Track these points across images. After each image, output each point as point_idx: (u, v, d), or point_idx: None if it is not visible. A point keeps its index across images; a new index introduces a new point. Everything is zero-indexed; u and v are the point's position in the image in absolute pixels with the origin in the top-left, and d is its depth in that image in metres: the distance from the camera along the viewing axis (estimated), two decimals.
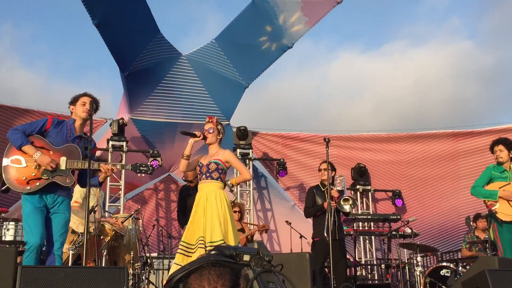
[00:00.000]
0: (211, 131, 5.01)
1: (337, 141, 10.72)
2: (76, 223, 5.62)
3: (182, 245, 4.72)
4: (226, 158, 4.95)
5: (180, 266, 4.50)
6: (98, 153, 8.56)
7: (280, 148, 10.86)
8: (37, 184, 4.23)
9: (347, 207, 5.94)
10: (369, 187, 10.82)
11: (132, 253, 6.15)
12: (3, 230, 5.75)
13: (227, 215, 4.75)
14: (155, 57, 9.61)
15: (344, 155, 10.89)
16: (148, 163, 4.76)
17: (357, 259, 9.17)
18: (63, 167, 4.30)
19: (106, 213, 7.52)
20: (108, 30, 8.70)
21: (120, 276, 3.18)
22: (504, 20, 25.17)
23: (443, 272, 6.74)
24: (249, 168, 10.30)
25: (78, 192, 5.95)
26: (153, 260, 7.33)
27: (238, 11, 9.72)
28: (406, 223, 8.03)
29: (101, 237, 5.92)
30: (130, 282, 5.89)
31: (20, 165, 4.25)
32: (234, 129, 10.33)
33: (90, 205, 4.65)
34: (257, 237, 8.06)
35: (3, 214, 6.55)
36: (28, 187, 4.21)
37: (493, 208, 5.52)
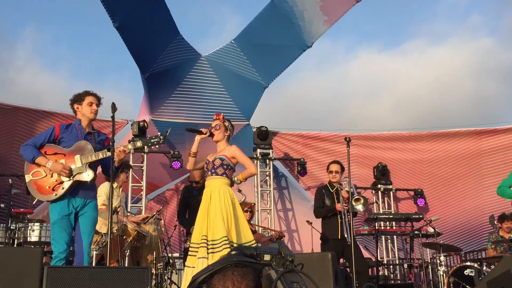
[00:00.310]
0: (217, 128, 4.94)
1: (358, 140, 10.66)
2: (99, 224, 5.69)
3: (191, 247, 4.66)
4: (232, 154, 4.87)
5: (189, 268, 4.50)
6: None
7: (300, 148, 10.83)
8: (62, 188, 4.29)
9: (360, 207, 5.83)
10: (390, 186, 10.74)
11: (154, 253, 6.20)
12: (28, 231, 5.85)
13: (231, 211, 4.62)
14: (175, 58, 9.68)
15: (364, 154, 10.82)
16: (158, 134, 4.65)
17: (379, 258, 9.10)
18: (79, 164, 4.35)
19: (128, 213, 7.59)
20: (129, 33, 8.79)
21: (144, 276, 3.22)
22: None
23: (467, 271, 6.65)
24: (269, 168, 10.31)
25: (104, 194, 6.02)
26: (175, 260, 7.38)
27: (256, 12, 9.75)
28: (428, 222, 7.94)
29: (124, 238, 5.98)
30: (153, 282, 5.95)
31: (41, 176, 4.33)
32: (254, 129, 10.34)
33: (113, 206, 4.70)
34: None
35: (28, 216, 6.68)
36: (54, 193, 4.28)
37: None
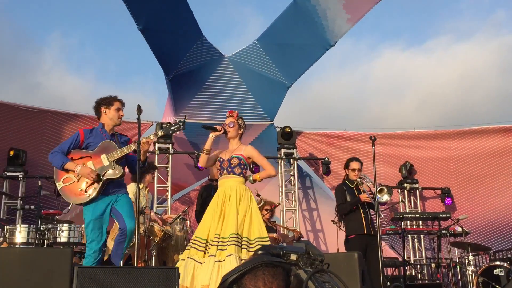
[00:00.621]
0: (231, 125, 4.87)
1: (382, 139, 10.56)
2: None
3: (196, 240, 4.54)
4: (248, 154, 4.83)
5: (186, 261, 4.40)
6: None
7: (324, 147, 10.78)
8: (94, 188, 4.40)
9: (386, 197, 5.76)
10: (416, 185, 10.61)
11: (180, 253, 6.25)
12: (57, 232, 5.96)
13: (250, 209, 4.61)
14: (199, 59, 9.75)
15: (389, 153, 10.71)
16: (177, 120, 4.69)
17: (405, 258, 9.01)
18: (106, 163, 4.46)
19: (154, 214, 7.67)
20: (153, 35, 8.89)
21: (172, 276, 3.25)
22: None
23: (496, 271, 6.54)
24: (293, 168, 10.30)
25: (131, 193, 6.09)
26: None
27: (277, 12, 9.75)
28: (456, 221, 7.83)
29: (151, 238, 6.05)
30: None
31: (72, 182, 4.44)
32: (278, 129, 10.34)
33: (140, 206, 4.76)
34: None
35: (57, 217, 6.80)
36: (87, 195, 4.39)
37: None
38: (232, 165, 4.76)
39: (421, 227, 10.00)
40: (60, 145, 4.62)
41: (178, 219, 6.46)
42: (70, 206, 8.52)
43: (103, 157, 4.46)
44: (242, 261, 4.33)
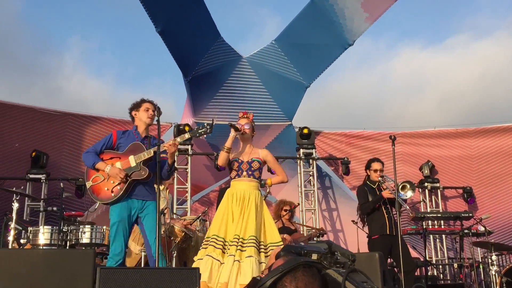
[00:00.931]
0: (247, 126, 4.92)
1: (402, 138, 10.46)
2: None
3: (214, 238, 4.53)
4: (265, 158, 4.89)
5: (204, 258, 4.40)
6: None
7: (343, 147, 10.73)
8: (119, 188, 4.47)
9: (409, 193, 5.77)
10: (437, 184, 10.49)
11: None
12: (80, 233, 6.02)
13: (264, 214, 4.67)
14: (217, 60, 9.78)
15: (410, 152, 10.61)
16: (204, 123, 4.71)
17: (427, 258, 8.91)
18: (133, 164, 4.53)
19: (174, 215, 7.72)
20: (171, 37, 8.95)
21: (193, 276, 3.27)
22: None
23: None
24: (312, 168, 10.27)
25: None
26: None
27: (294, 13, 9.73)
28: (478, 220, 7.72)
29: (171, 239, 6.08)
30: None
31: (100, 181, 4.54)
32: (297, 129, 10.32)
33: (160, 207, 4.79)
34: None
35: (79, 218, 6.88)
36: (113, 194, 4.47)
37: None
38: (253, 168, 4.79)
39: (443, 226, 9.89)
40: (94, 145, 4.74)
41: (198, 220, 6.48)
42: (96, 205, 8.63)
43: (131, 158, 4.55)
44: (262, 264, 4.35)
